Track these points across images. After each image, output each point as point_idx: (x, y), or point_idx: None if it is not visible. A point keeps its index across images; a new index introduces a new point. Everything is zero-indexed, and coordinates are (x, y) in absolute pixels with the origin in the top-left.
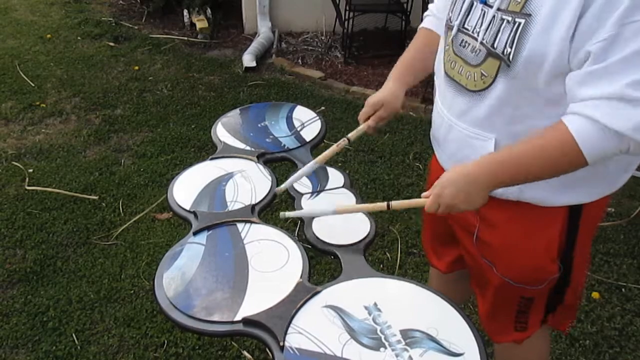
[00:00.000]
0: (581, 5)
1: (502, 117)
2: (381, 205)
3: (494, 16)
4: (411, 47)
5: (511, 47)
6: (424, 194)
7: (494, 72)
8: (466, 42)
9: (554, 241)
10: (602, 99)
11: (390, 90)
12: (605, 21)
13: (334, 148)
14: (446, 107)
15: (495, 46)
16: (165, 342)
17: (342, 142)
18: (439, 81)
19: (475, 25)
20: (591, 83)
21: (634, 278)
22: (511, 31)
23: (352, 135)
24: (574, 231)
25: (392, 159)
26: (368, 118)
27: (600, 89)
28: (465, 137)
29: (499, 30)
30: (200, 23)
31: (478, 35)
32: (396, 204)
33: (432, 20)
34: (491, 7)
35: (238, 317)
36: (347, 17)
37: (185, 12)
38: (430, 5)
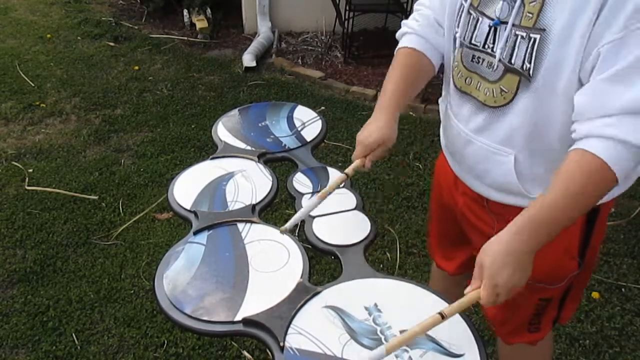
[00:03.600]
0: (597, 12)
1: (523, 132)
2: (436, 318)
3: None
4: (398, 73)
5: (530, 63)
6: (468, 290)
7: (514, 88)
8: (479, 57)
9: (574, 240)
10: (617, 116)
11: (386, 128)
12: (612, 24)
13: (332, 184)
14: (462, 122)
15: (512, 62)
16: (165, 342)
17: (341, 177)
18: (451, 95)
19: (486, 41)
20: (601, 98)
21: (634, 278)
22: (527, 46)
23: (349, 170)
24: (592, 227)
25: (392, 159)
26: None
27: (612, 105)
28: (486, 152)
29: (514, 46)
30: (200, 23)
31: (494, 52)
32: (449, 310)
33: (414, 38)
34: (503, 22)
35: (238, 317)
36: (347, 17)
37: (185, 12)
38: (409, 22)
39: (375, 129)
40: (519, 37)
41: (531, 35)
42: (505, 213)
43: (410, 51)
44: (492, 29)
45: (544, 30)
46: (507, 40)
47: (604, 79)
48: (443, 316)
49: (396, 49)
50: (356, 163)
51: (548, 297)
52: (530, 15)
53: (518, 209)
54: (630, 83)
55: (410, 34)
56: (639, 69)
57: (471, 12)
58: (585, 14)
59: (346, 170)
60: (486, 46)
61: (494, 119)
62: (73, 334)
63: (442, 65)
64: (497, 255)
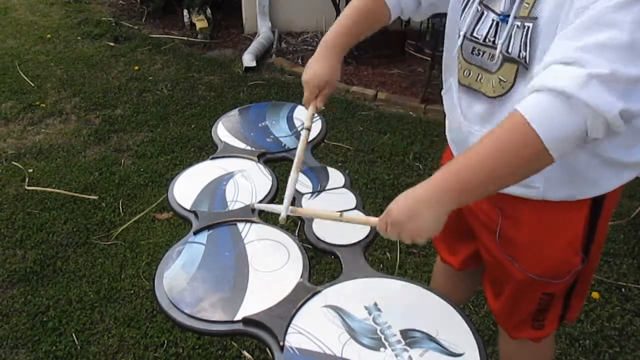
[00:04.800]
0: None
1: None
2: (335, 214)
3: (512, 24)
4: (350, 15)
5: (525, 51)
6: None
7: (513, 77)
8: (479, 50)
9: (578, 234)
10: (551, 65)
11: (331, 68)
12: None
13: (301, 146)
14: (463, 114)
15: (510, 51)
16: (165, 342)
17: (304, 133)
18: (454, 88)
19: (487, 35)
20: (548, 52)
21: (634, 278)
22: (522, 35)
23: (307, 123)
24: (596, 220)
25: (392, 159)
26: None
27: (552, 56)
28: None
29: (511, 35)
30: (200, 23)
31: (495, 44)
32: (348, 215)
33: None
34: (507, 16)
35: (238, 317)
36: None
37: (185, 12)
38: None
39: (320, 69)
40: (515, 26)
41: (525, 23)
42: (508, 208)
43: None
44: (495, 23)
45: (536, 18)
46: (507, 33)
47: (556, 39)
48: (341, 214)
49: None
50: (311, 111)
51: (551, 292)
52: (527, 5)
53: (521, 203)
54: (567, 41)
55: None
56: (590, 26)
57: (477, 6)
58: (564, 6)
59: (306, 125)
60: (487, 40)
61: (494, 110)
62: (73, 334)
63: (440, 58)
64: (410, 200)
